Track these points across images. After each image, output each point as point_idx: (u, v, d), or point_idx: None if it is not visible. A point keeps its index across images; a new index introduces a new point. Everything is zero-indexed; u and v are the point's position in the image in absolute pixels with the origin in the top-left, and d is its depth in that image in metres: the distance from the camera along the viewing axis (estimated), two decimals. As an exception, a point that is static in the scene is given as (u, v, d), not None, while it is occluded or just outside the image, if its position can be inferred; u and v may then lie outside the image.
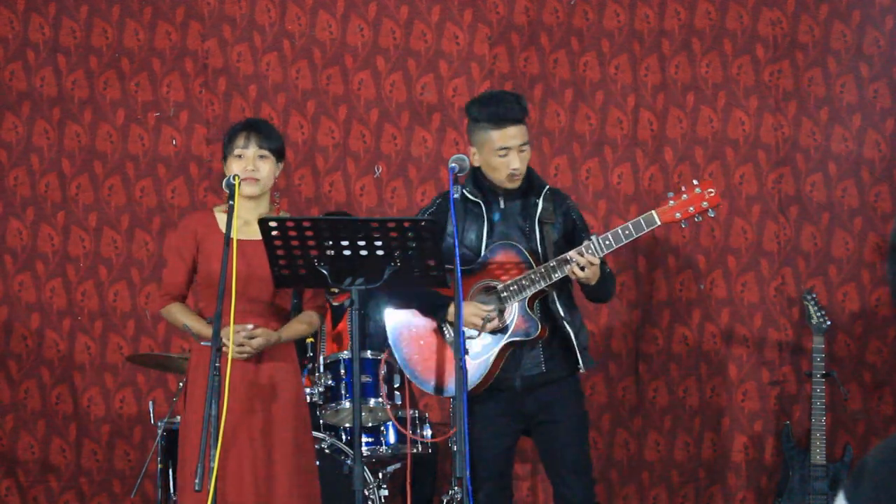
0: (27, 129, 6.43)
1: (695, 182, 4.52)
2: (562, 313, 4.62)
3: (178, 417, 4.98)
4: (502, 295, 4.60)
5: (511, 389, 4.65)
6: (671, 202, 4.46)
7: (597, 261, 4.44)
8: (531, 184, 4.71)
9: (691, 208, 4.44)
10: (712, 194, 4.47)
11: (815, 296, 6.13)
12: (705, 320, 6.41)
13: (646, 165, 6.42)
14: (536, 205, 4.65)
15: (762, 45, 6.43)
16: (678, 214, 4.43)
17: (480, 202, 4.67)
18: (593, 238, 4.45)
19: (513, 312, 4.57)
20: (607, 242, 4.43)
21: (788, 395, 6.38)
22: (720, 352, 6.41)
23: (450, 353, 4.67)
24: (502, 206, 4.68)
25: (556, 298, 4.62)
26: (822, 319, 6.05)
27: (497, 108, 4.61)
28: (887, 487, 1.94)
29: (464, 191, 4.69)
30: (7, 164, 6.42)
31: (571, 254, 4.47)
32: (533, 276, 4.52)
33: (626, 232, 4.43)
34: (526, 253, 4.55)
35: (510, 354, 4.62)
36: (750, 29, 6.43)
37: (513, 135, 4.59)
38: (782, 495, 6.08)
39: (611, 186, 6.40)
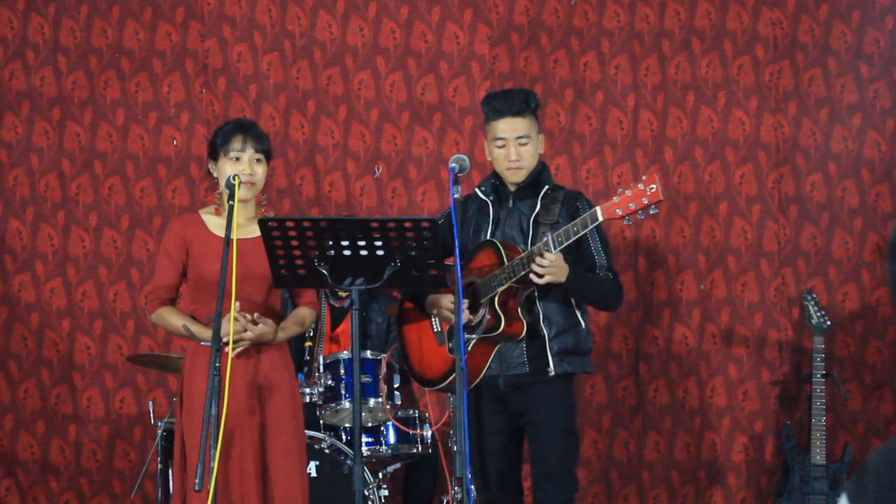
0: (27, 128, 6.42)
1: (643, 178, 4.37)
2: (541, 312, 4.58)
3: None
4: (478, 292, 4.59)
5: (496, 388, 4.63)
6: (615, 198, 4.38)
7: (552, 257, 4.39)
8: (537, 183, 4.70)
9: (632, 205, 4.30)
10: (653, 190, 4.27)
11: (815, 296, 6.13)
12: (705, 320, 6.41)
13: (646, 165, 6.42)
14: (536, 205, 4.65)
15: (762, 45, 6.43)
16: (619, 211, 4.32)
17: (489, 202, 4.69)
18: (549, 235, 4.42)
19: (484, 310, 4.55)
20: (560, 239, 4.40)
21: (788, 395, 6.39)
22: (720, 352, 6.41)
23: (430, 344, 4.69)
24: (510, 205, 4.68)
25: (536, 297, 4.58)
26: (822, 319, 6.05)
27: (498, 101, 4.70)
28: (890, 488, 1.94)
29: (477, 190, 4.76)
30: (7, 163, 6.42)
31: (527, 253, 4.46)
32: (499, 275, 4.50)
33: (575, 228, 4.39)
34: (503, 252, 4.53)
35: (496, 353, 4.60)
36: (750, 29, 6.43)
37: (510, 125, 4.63)
38: (782, 495, 6.08)
39: (611, 186, 6.39)
